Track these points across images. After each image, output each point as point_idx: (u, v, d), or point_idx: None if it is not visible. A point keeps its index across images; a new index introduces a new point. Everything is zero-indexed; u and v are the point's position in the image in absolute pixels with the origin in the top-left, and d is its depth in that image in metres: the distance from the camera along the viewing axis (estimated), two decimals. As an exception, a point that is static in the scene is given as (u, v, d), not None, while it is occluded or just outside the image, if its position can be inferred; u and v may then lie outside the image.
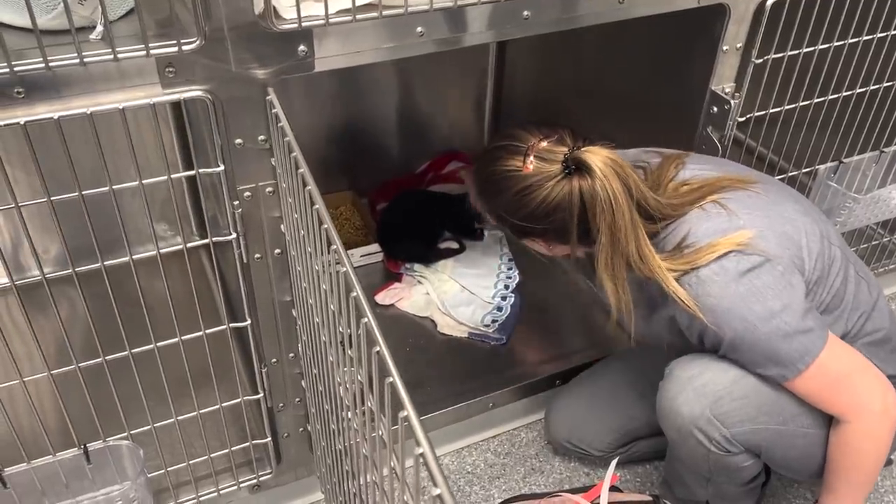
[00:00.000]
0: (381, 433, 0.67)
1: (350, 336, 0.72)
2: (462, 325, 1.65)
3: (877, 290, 1.20)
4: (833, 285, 1.13)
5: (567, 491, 1.26)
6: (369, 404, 0.69)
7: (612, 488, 1.25)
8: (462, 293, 1.73)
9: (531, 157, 1.05)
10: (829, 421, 1.15)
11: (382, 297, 1.72)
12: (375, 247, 1.82)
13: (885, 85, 1.40)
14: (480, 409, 1.50)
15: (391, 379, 0.59)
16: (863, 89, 1.37)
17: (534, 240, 1.15)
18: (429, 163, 2.05)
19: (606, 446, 1.46)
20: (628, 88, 1.49)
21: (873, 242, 1.70)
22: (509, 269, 1.81)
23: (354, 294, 0.67)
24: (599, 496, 1.22)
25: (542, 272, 1.82)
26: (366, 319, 0.65)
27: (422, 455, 0.54)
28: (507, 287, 1.76)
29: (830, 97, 1.34)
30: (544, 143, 1.06)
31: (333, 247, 0.73)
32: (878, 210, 1.54)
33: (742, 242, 1.04)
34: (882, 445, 1.11)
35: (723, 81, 1.24)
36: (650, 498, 1.25)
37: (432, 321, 1.68)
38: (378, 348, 0.62)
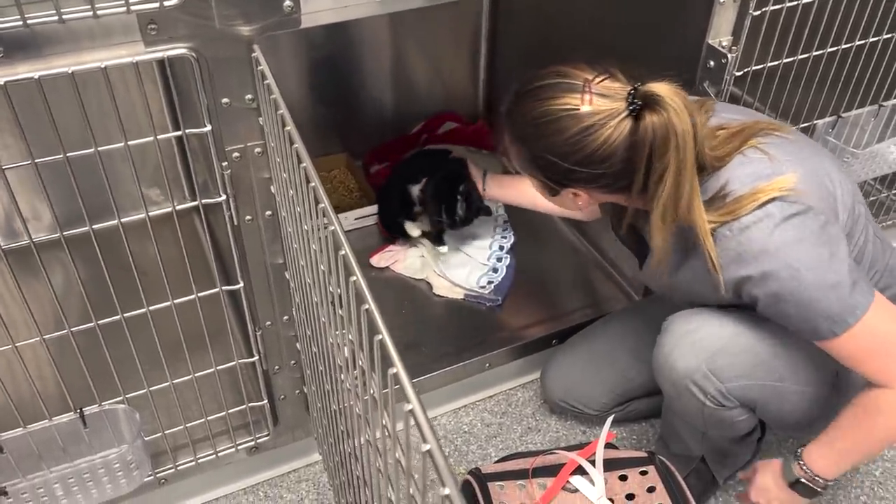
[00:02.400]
0: (373, 392, 0.67)
1: (340, 295, 0.71)
2: (457, 286, 1.65)
3: (889, 251, 1.18)
4: (858, 243, 1.10)
5: (563, 448, 1.26)
6: (360, 363, 0.69)
7: (608, 445, 1.25)
8: (457, 255, 1.72)
9: (590, 95, 0.95)
10: (827, 381, 1.14)
11: (377, 260, 1.72)
12: (370, 209, 1.80)
13: (885, 37, 1.37)
14: (477, 370, 1.50)
15: (380, 336, 0.59)
16: (861, 42, 1.34)
17: (575, 187, 1.04)
18: (423, 123, 2.03)
19: (602, 406, 1.47)
20: (624, 42, 1.47)
21: (871, 198, 1.68)
22: (504, 230, 1.80)
23: (343, 252, 0.67)
24: (595, 453, 1.23)
25: (537, 233, 1.81)
26: (354, 278, 0.64)
27: (411, 411, 0.54)
28: (502, 248, 1.75)
29: (829, 50, 1.31)
30: (600, 80, 0.97)
31: (321, 205, 0.72)
32: (876, 165, 1.52)
33: (787, 188, 0.98)
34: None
35: (720, 35, 1.22)
36: (645, 454, 1.26)
37: (428, 283, 1.67)
38: (367, 306, 0.62)
